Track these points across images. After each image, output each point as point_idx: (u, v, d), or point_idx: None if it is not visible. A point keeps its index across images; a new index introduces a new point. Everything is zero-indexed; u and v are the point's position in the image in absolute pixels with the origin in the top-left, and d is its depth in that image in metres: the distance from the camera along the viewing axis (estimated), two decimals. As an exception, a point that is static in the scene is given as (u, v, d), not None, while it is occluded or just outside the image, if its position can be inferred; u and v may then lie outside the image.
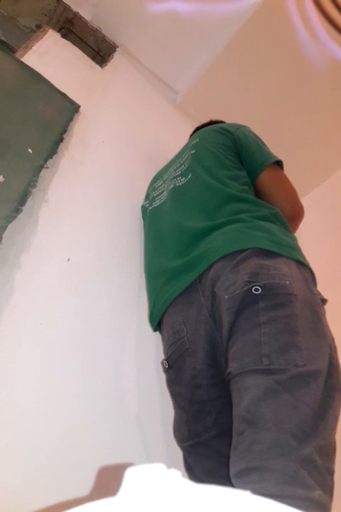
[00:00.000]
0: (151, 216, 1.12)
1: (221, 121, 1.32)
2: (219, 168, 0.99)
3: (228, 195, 0.91)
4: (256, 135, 1.12)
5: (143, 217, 1.25)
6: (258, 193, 1.02)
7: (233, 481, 0.58)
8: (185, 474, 0.79)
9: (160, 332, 0.97)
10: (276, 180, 1.03)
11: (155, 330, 0.98)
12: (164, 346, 0.91)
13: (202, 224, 0.89)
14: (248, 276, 0.71)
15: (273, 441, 0.56)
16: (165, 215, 1.04)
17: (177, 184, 1.05)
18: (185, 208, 0.97)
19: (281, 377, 0.60)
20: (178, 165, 1.12)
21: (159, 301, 0.92)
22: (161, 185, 1.16)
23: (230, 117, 1.29)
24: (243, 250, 0.77)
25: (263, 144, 1.10)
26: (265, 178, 1.01)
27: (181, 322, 0.84)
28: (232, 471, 0.59)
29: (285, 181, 1.03)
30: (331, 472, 0.58)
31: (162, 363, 0.88)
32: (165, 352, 0.89)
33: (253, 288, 0.69)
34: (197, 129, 1.34)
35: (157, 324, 0.95)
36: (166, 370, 0.87)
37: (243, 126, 1.13)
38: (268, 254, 0.75)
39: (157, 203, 1.11)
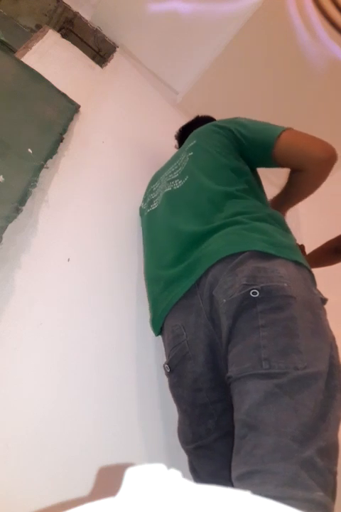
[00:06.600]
0: (148, 219, 1.11)
1: (209, 117, 1.30)
2: (217, 169, 0.98)
3: (225, 198, 0.90)
4: (252, 120, 1.06)
5: (141, 218, 1.25)
6: (284, 166, 0.98)
7: (235, 484, 0.58)
8: (190, 477, 0.79)
9: (162, 336, 0.97)
10: (292, 140, 0.96)
11: (157, 334, 0.98)
12: (165, 350, 0.91)
13: (199, 228, 0.88)
14: (245, 279, 0.71)
15: (274, 446, 0.56)
16: (161, 219, 1.02)
17: (174, 187, 1.04)
18: (181, 212, 0.96)
19: (281, 381, 0.60)
20: (176, 167, 1.11)
21: (159, 307, 0.92)
22: (158, 187, 1.15)
23: (230, 117, 1.28)
24: (240, 253, 0.76)
25: (262, 122, 1.03)
26: (280, 147, 0.95)
27: (180, 326, 0.84)
28: (234, 474, 0.59)
29: (300, 135, 0.97)
30: (333, 473, 0.58)
31: (164, 366, 0.88)
32: (167, 356, 0.89)
33: (251, 291, 0.68)
34: (186, 127, 1.33)
35: (159, 329, 0.95)
36: (168, 374, 0.87)
37: (236, 119, 1.08)
38: (265, 257, 0.75)
39: (154, 205, 1.11)
